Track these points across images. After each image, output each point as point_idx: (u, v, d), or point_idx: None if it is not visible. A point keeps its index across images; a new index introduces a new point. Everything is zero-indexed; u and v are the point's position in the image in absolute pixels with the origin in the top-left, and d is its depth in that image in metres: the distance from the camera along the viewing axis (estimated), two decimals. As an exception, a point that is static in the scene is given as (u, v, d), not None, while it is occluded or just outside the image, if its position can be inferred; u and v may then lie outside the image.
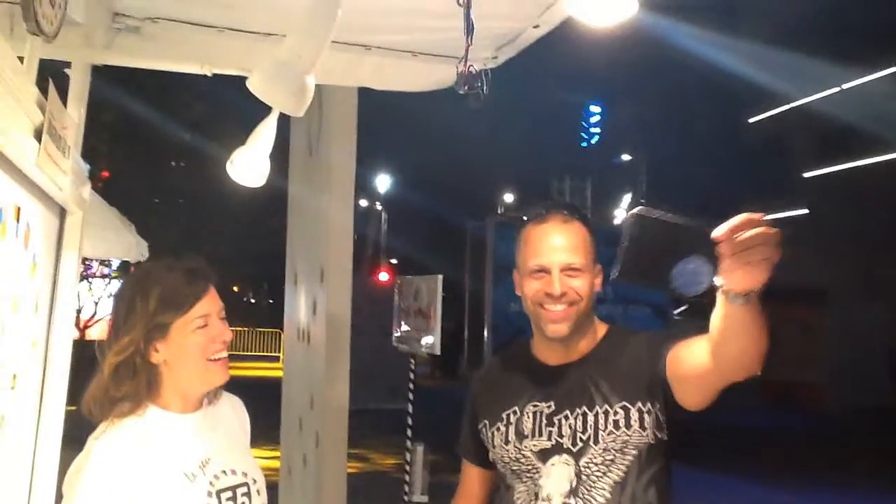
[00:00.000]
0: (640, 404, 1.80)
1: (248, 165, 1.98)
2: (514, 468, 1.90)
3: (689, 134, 27.48)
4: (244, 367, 22.46)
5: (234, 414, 2.00)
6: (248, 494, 1.88)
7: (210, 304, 1.80)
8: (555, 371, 1.92)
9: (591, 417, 1.84)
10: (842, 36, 20.93)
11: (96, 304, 14.01)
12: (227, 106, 10.45)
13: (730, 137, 26.74)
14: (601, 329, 1.97)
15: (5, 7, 1.92)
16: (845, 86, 22.49)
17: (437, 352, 4.26)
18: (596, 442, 1.81)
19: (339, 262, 3.81)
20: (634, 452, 1.80)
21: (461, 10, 1.93)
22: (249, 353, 28.11)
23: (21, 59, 1.33)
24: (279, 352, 24.14)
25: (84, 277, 14.64)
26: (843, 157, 21.58)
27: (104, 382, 1.75)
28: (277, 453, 4.95)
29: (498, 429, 1.95)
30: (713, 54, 22.12)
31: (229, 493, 1.83)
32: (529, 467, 1.87)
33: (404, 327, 4.69)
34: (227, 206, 12.21)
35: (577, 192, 10.92)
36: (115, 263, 12.97)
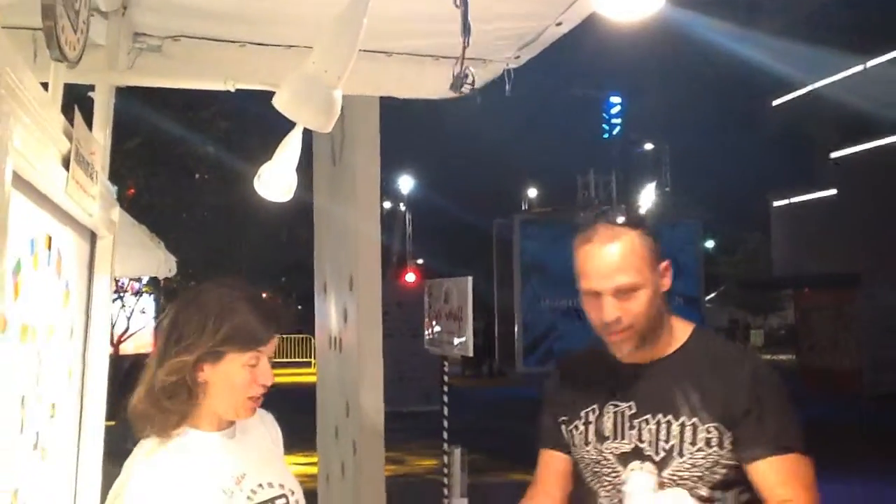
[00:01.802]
0: (730, 434, 1.75)
1: (276, 180, 1.97)
2: (596, 470, 1.85)
3: (711, 120, 27.20)
4: (278, 373, 22.59)
5: (265, 428, 2.01)
6: None
7: (269, 348, 1.81)
8: (635, 370, 1.85)
9: (675, 427, 1.77)
10: (859, 20, 20.61)
11: (128, 318, 14.17)
12: (252, 120, 10.53)
13: (753, 122, 26.45)
14: (684, 329, 1.88)
15: (27, 34, 1.92)
16: (869, 64, 22.15)
17: (470, 353, 4.23)
18: (681, 454, 1.76)
19: (367, 270, 3.81)
20: (724, 472, 1.75)
21: (482, 13, 1.91)
22: (281, 360, 28.30)
23: (45, 85, 1.32)
24: (310, 357, 24.27)
25: (116, 293, 14.81)
26: (868, 136, 21.24)
27: (155, 397, 1.76)
28: (314, 459, 4.95)
29: (577, 427, 1.90)
30: (733, 42, 21.89)
31: None
32: (610, 471, 1.83)
33: (436, 329, 4.67)
34: (254, 219, 12.29)
35: (601, 185, 10.85)
36: (146, 278, 13.10)
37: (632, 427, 1.82)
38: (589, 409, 1.89)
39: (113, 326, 16.59)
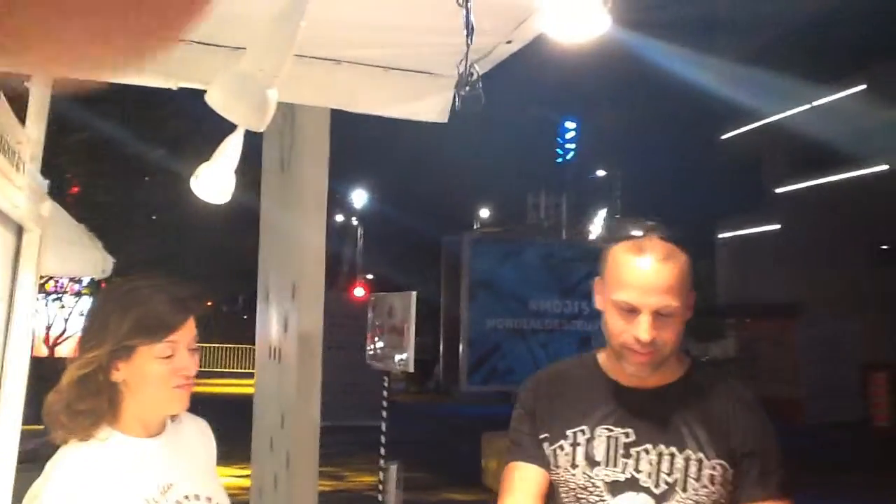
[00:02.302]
0: (731, 472, 1.69)
1: (213, 181, 1.93)
2: (581, 496, 1.73)
3: (664, 150, 27.71)
4: (218, 383, 22.21)
5: (198, 437, 1.95)
6: None
7: (183, 335, 1.73)
8: (634, 395, 1.75)
9: (679, 461, 1.68)
10: (813, 54, 21.24)
11: (66, 320, 13.81)
12: (206, 121, 10.40)
13: (704, 153, 27.02)
14: (683, 360, 1.80)
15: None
16: (816, 102, 22.81)
17: (411, 368, 4.21)
18: (684, 490, 1.67)
19: (311, 279, 3.76)
20: None
21: (432, 26, 1.90)
22: (223, 370, 27.81)
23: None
24: (253, 368, 23.86)
25: (55, 294, 14.42)
26: (814, 173, 21.86)
27: (63, 394, 1.69)
28: (249, 472, 4.86)
29: (562, 447, 1.76)
30: (687, 71, 22.35)
31: None
32: (598, 499, 1.70)
33: (378, 344, 4.64)
34: (202, 222, 12.10)
35: (552, 208, 10.95)
36: (86, 280, 12.79)
37: (627, 455, 1.70)
38: (577, 429, 1.76)
39: (49, 328, 16.17)
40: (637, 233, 1.71)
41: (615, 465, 1.70)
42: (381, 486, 4.49)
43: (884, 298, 19.24)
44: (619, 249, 1.71)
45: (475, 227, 23.08)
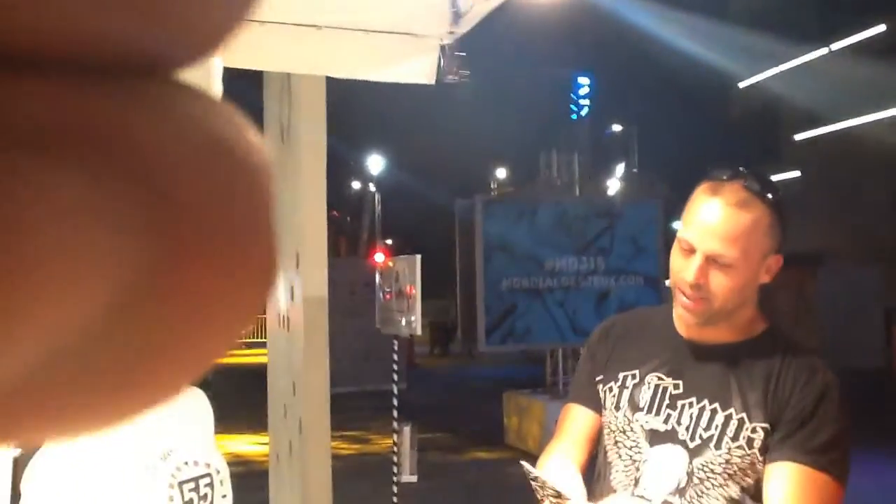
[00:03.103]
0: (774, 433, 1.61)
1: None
2: (619, 439, 1.71)
3: (680, 102, 27.33)
4: (244, 353, 22.50)
5: (194, 405, 1.99)
6: (210, 485, 1.87)
7: None
8: (692, 348, 1.70)
9: (719, 417, 1.62)
10: (825, 5, 20.78)
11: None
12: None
13: (721, 103, 26.64)
14: (759, 322, 1.72)
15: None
16: (834, 46, 22.37)
17: (419, 332, 4.25)
18: (718, 447, 1.61)
19: (313, 247, 3.78)
20: (758, 477, 1.60)
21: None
22: (248, 340, 28.11)
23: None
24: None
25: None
26: (833, 119, 21.50)
27: None
28: (267, 439, 4.96)
29: (611, 389, 1.75)
30: (701, 18, 21.97)
31: (192, 485, 1.83)
32: (633, 444, 1.69)
33: (387, 308, 4.68)
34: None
35: (564, 166, 10.90)
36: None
37: (673, 407, 1.66)
38: (629, 373, 1.73)
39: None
40: (722, 175, 1.64)
41: (657, 414, 1.67)
42: (395, 448, 4.55)
43: (908, 244, 19.02)
44: (699, 189, 1.66)
45: (492, 187, 23.01)
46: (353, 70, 2.57)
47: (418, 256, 4.23)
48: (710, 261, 1.60)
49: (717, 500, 1.60)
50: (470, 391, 15.76)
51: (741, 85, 26.00)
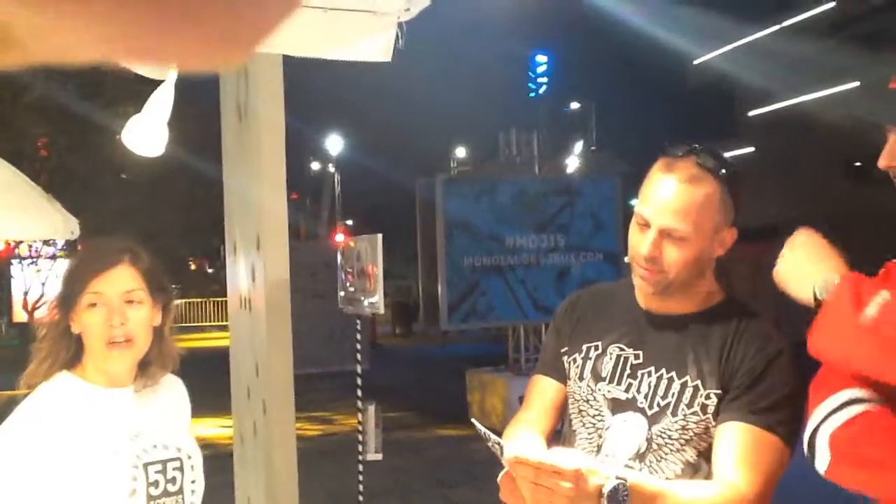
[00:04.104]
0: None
1: (145, 133, 1.91)
2: (583, 408, 1.77)
3: (637, 79, 27.53)
4: (203, 337, 22.29)
5: (169, 392, 2.00)
6: (180, 469, 1.88)
7: (105, 285, 1.78)
8: (652, 319, 1.76)
9: (676, 385, 1.68)
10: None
11: (43, 284, 13.75)
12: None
13: (677, 80, 26.88)
14: (717, 293, 1.78)
15: None
16: (786, 23, 22.66)
17: (381, 311, 4.25)
18: (674, 414, 1.67)
19: (273, 228, 3.76)
20: (712, 441, 1.66)
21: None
22: (209, 324, 27.88)
23: None
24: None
25: (30, 258, 14.31)
26: (786, 94, 21.83)
27: (33, 350, 1.81)
28: (231, 422, 4.93)
29: (575, 360, 1.81)
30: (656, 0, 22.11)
31: (158, 466, 1.84)
32: (596, 413, 1.75)
33: (349, 288, 4.67)
34: (175, 179, 11.98)
35: (524, 144, 10.93)
36: (60, 243, 12.68)
37: (633, 376, 1.72)
38: (592, 344, 1.80)
39: (27, 293, 16.08)
40: (676, 152, 1.70)
41: (619, 384, 1.73)
42: (360, 427, 4.56)
43: (859, 216, 19.47)
44: (655, 166, 1.73)
45: (452, 166, 23.00)
46: (309, 48, 2.55)
47: (379, 235, 4.23)
48: (665, 234, 1.66)
49: (675, 464, 1.67)
50: (434, 369, 15.83)
51: (696, 62, 26.26)
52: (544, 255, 10.30)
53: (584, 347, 1.80)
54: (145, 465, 1.80)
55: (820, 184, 21.01)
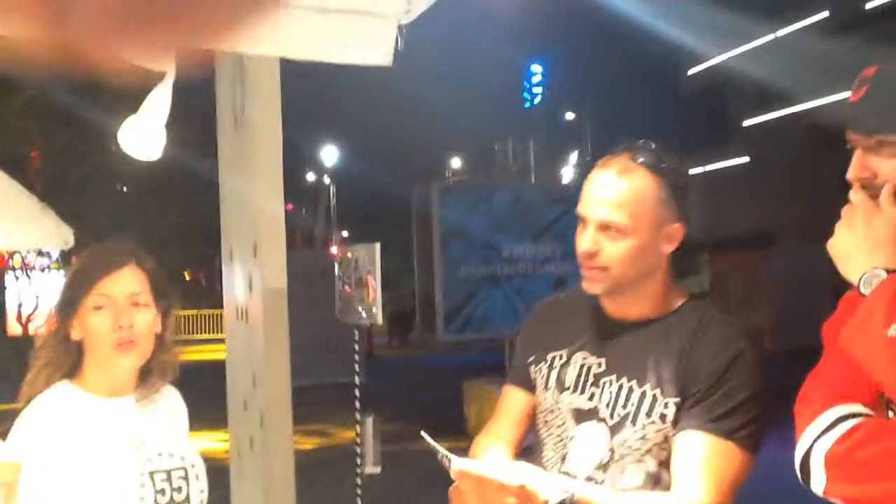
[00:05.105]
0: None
1: (141, 136, 1.86)
2: (548, 418, 1.77)
3: (631, 88, 27.64)
4: (200, 350, 22.18)
5: (167, 403, 1.98)
6: (185, 478, 1.90)
7: (116, 286, 1.77)
8: (615, 326, 1.75)
9: (635, 394, 1.67)
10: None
11: (37, 297, 13.66)
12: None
13: (671, 90, 26.99)
14: (678, 297, 1.75)
15: None
16: (780, 33, 22.76)
17: (379, 321, 4.19)
18: (634, 424, 1.66)
19: (271, 236, 3.70)
20: (671, 450, 1.64)
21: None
22: (201, 338, 27.73)
23: None
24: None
25: (23, 270, 14.23)
26: (781, 103, 21.91)
27: (32, 359, 1.79)
28: (227, 435, 4.86)
29: (541, 370, 1.80)
30: (650, 6, 22.19)
31: (163, 475, 1.84)
32: (561, 423, 1.74)
33: (347, 298, 4.61)
34: (173, 189, 11.94)
35: (520, 153, 10.93)
36: (55, 254, 12.61)
37: (596, 385, 1.71)
38: (557, 353, 1.79)
39: (21, 305, 15.96)
40: (612, 151, 1.71)
41: (582, 393, 1.73)
42: (358, 440, 4.50)
43: (854, 224, 19.46)
44: (594, 167, 1.74)
45: (447, 176, 23.04)
46: (307, 51, 2.50)
47: (377, 245, 4.18)
48: (603, 228, 1.67)
49: (636, 474, 1.65)
50: (430, 380, 15.75)
51: (690, 71, 26.35)
52: (541, 265, 10.26)
53: (549, 357, 1.80)
54: (151, 474, 1.79)
55: (815, 193, 21.06)
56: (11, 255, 11.54)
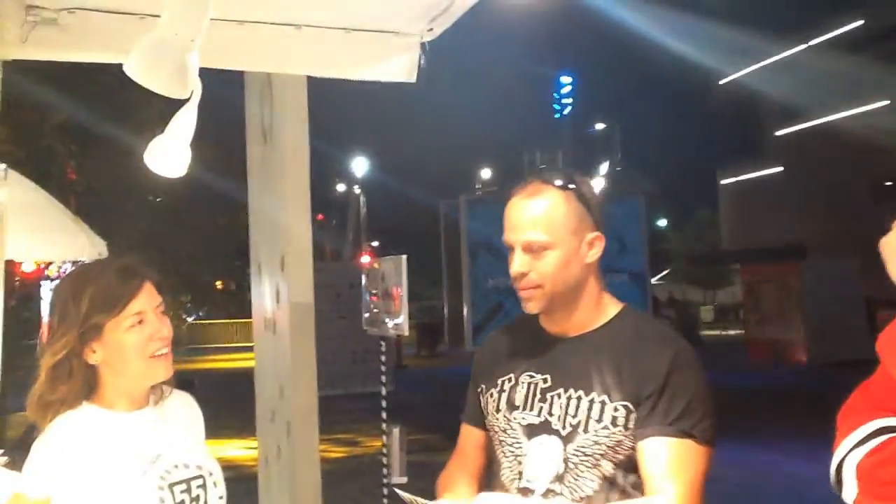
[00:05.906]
0: (635, 414, 1.70)
1: (167, 154, 1.92)
2: (502, 438, 1.82)
3: (662, 99, 27.47)
4: (229, 358, 22.36)
5: (184, 410, 1.99)
6: (203, 486, 1.88)
7: (145, 301, 1.78)
8: (556, 342, 1.82)
9: (584, 402, 1.73)
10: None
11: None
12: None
13: (702, 100, 26.79)
14: (614, 306, 1.84)
15: None
16: (813, 42, 22.54)
17: (405, 332, 4.23)
18: (586, 430, 1.72)
19: (298, 249, 3.77)
20: (627, 453, 1.70)
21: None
22: (233, 345, 27.98)
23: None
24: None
25: (48, 279, 14.48)
26: (814, 113, 21.65)
27: (41, 386, 1.74)
28: (255, 443, 4.92)
29: (492, 395, 1.87)
30: (681, 15, 22.09)
31: (183, 486, 1.84)
32: (514, 441, 1.79)
33: (373, 310, 4.66)
34: (201, 202, 12.08)
35: (548, 164, 10.91)
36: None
37: (543, 400, 1.77)
38: (505, 377, 1.86)
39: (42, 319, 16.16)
40: (522, 181, 1.81)
41: (531, 409, 1.79)
42: (385, 450, 4.53)
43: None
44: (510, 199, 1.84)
45: (476, 187, 23.05)
46: (333, 69, 2.56)
47: (404, 257, 4.22)
48: (528, 250, 1.75)
49: (593, 479, 1.70)
50: (457, 391, 15.74)
51: (721, 82, 26.15)
52: (569, 276, 10.25)
53: (499, 381, 1.87)
54: (170, 486, 1.79)
55: (847, 203, 20.76)
56: (47, 265, 11.76)
